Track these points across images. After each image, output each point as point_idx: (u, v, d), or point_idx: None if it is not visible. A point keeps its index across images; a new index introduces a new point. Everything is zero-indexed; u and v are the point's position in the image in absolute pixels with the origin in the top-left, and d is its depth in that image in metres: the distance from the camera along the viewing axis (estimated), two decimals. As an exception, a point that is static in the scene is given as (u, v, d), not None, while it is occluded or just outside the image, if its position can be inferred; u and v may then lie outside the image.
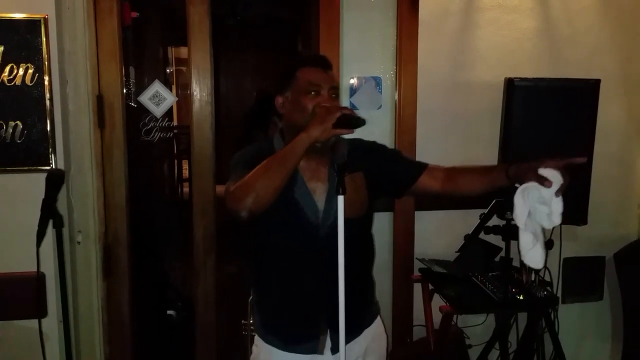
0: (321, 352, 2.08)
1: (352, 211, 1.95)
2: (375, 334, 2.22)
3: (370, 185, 2.11)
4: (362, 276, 2.18)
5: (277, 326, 2.15)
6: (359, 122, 1.83)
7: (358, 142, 2.20)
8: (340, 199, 1.79)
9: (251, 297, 2.30)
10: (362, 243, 2.14)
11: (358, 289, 2.08)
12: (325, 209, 2.03)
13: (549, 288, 2.98)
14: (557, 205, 1.75)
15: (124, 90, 3.09)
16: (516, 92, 2.90)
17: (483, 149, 3.26)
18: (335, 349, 2.06)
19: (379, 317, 2.27)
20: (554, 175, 1.73)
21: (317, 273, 2.05)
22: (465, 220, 3.09)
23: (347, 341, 2.05)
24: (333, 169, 1.97)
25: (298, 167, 2.00)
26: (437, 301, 3.03)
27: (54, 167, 2.81)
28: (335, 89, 2.02)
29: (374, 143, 2.26)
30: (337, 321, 1.94)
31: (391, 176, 2.15)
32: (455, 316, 3.07)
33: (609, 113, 3.26)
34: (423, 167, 2.14)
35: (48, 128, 2.79)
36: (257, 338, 2.21)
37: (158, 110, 3.18)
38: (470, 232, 2.92)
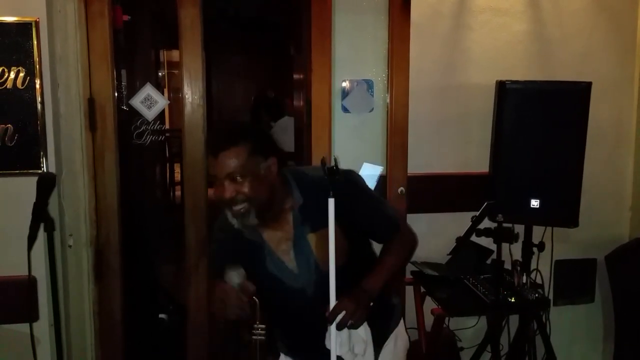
0: None
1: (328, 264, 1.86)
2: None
3: (349, 233, 2.02)
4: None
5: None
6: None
7: (336, 187, 1.99)
8: (331, 201, 1.79)
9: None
10: (351, 284, 1.94)
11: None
12: (299, 271, 2.01)
13: (540, 290, 2.99)
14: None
15: (116, 94, 3.08)
16: (508, 94, 2.91)
17: (474, 152, 3.27)
18: None
19: (401, 321, 2.28)
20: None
21: (315, 324, 1.96)
22: (457, 223, 3.09)
23: None
24: (297, 221, 1.99)
25: (263, 239, 2.02)
26: (429, 304, 3.04)
27: (45, 170, 2.79)
28: (234, 172, 1.86)
29: (352, 189, 2.09)
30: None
31: (365, 229, 2.13)
32: (447, 319, 3.08)
33: (600, 115, 3.28)
34: (392, 234, 2.16)
35: (39, 131, 2.78)
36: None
37: (150, 114, 3.16)
38: (462, 235, 2.92)
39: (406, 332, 2.34)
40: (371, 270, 2.06)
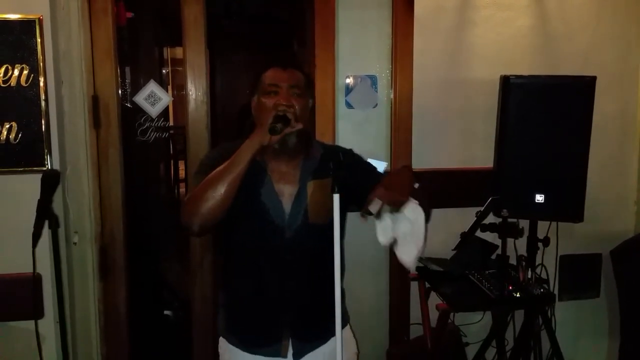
0: (284, 356, 2.06)
1: (320, 217, 1.97)
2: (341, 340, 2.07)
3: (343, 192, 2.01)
4: (329, 283, 1.93)
5: (239, 327, 2.14)
6: (287, 122, 1.88)
7: (335, 149, 2.28)
8: (336, 197, 1.78)
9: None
10: (329, 250, 1.87)
11: (324, 296, 1.91)
12: (291, 213, 2.03)
13: (545, 285, 2.98)
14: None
15: (120, 91, 3.08)
16: (512, 89, 2.90)
17: (479, 147, 3.26)
18: (297, 355, 2.06)
19: (347, 326, 2.24)
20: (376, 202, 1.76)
21: (280, 277, 2.04)
22: (462, 219, 3.09)
23: (313, 347, 2.07)
24: (306, 171, 2.04)
25: (267, 168, 2.04)
26: (434, 299, 3.03)
27: (49, 167, 2.80)
28: (295, 87, 2.02)
29: (350, 151, 2.28)
30: (300, 327, 1.99)
31: (361, 186, 2.06)
32: (452, 314, 3.07)
33: (605, 110, 3.26)
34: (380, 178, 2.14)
35: (43, 129, 2.79)
36: (221, 339, 2.20)
37: (153, 111, 3.17)
38: (466, 230, 2.92)
39: (354, 337, 2.30)
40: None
